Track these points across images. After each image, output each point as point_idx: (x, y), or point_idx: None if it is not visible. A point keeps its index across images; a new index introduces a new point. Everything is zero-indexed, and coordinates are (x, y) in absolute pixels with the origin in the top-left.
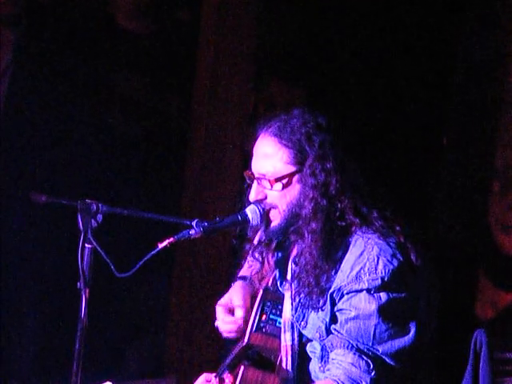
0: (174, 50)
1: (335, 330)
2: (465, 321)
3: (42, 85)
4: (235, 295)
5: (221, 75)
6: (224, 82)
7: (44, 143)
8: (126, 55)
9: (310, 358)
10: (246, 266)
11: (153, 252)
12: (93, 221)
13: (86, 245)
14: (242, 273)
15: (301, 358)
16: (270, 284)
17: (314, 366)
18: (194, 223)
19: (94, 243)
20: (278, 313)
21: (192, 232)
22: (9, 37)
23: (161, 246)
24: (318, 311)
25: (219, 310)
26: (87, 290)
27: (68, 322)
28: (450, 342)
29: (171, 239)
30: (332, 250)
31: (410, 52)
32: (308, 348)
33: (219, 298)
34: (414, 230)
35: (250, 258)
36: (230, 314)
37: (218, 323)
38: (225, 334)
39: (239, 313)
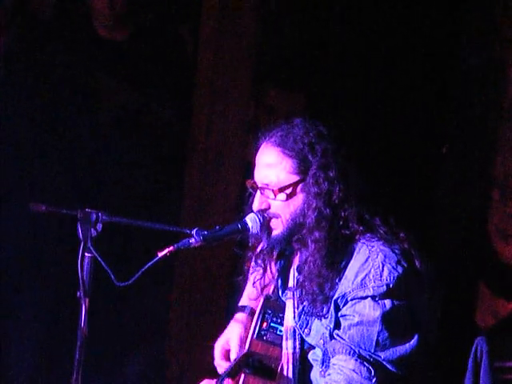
0: (174, 59)
1: (338, 335)
2: (465, 329)
3: (34, 92)
4: (233, 336)
5: (220, 83)
6: (224, 90)
7: (41, 152)
8: (124, 63)
9: (312, 366)
10: (248, 286)
11: (153, 261)
12: (92, 230)
13: (86, 254)
14: (244, 297)
15: (302, 365)
16: (271, 292)
17: (315, 374)
18: (193, 232)
19: (94, 252)
20: (279, 321)
21: (192, 241)
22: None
23: (160, 254)
24: (321, 319)
25: (217, 353)
26: (87, 299)
27: (68, 331)
28: (450, 351)
29: (171, 248)
30: (336, 258)
31: (409, 60)
32: (310, 356)
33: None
34: (415, 237)
35: (252, 264)
36: (227, 357)
37: (216, 364)
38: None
39: (234, 356)
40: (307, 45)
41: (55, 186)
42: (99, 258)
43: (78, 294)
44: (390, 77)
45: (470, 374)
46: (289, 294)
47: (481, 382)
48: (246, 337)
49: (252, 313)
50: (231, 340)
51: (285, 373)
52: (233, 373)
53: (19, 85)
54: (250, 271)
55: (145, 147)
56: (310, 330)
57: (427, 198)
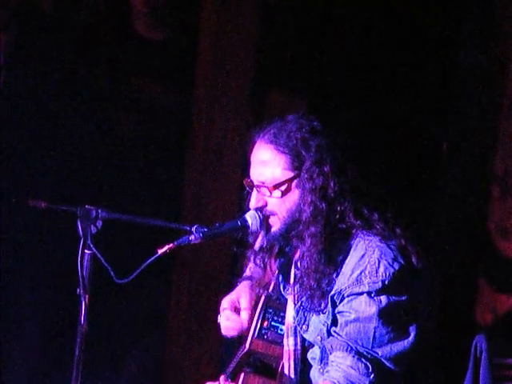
0: (174, 55)
1: (335, 332)
2: (464, 326)
3: (36, 88)
4: (243, 296)
5: (220, 81)
6: (224, 88)
7: (40, 149)
8: (124, 58)
9: (311, 365)
10: (248, 270)
11: (152, 258)
12: (92, 227)
13: (86, 251)
14: (247, 273)
15: (303, 363)
16: (272, 290)
17: (314, 373)
18: (193, 229)
19: (94, 249)
20: (280, 320)
21: (191, 238)
22: (2, 40)
23: (160, 251)
24: (319, 314)
25: (226, 306)
26: (87, 296)
27: (68, 327)
28: (449, 348)
29: (171, 245)
30: (333, 253)
31: (410, 58)
32: (309, 355)
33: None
34: (414, 234)
35: (251, 264)
36: (236, 312)
37: (221, 318)
38: (225, 331)
39: (245, 315)
40: (308, 45)
41: (55, 183)
42: (99, 255)
43: (78, 290)
44: (391, 75)
45: (470, 371)
46: (289, 290)
47: (480, 378)
48: (255, 303)
49: (259, 284)
50: (242, 299)
51: (286, 371)
52: (234, 373)
53: (20, 84)
54: (250, 269)
55: (145, 145)
56: (307, 326)
57: (427, 194)
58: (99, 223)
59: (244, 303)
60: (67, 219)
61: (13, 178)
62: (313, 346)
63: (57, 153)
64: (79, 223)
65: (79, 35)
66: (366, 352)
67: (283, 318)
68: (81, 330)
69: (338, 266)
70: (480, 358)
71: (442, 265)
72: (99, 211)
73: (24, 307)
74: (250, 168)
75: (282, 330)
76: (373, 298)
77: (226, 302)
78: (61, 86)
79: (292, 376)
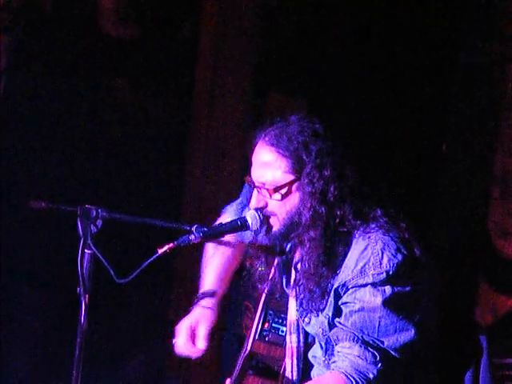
0: (174, 58)
1: (340, 323)
2: (465, 326)
3: (38, 90)
4: (202, 322)
5: (221, 81)
6: (224, 88)
7: (41, 149)
8: (125, 63)
9: (313, 365)
10: (209, 268)
11: (152, 257)
12: (92, 226)
13: (86, 250)
14: (207, 281)
15: (305, 361)
16: (272, 289)
17: (315, 373)
18: (193, 228)
19: (94, 249)
20: (281, 321)
21: (192, 237)
22: (4, 42)
23: (160, 251)
24: (318, 315)
25: (182, 333)
26: (87, 296)
27: (68, 327)
28: (449, 348)
29: (171, 244)
30: (333, 255)
31: (409, 59)
32: (310, 353)
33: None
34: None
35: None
36: (192, 339)
37: (177, 343)
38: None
39: (201, 345)
40: (308, 48)
41: (55, 183)
42: (99, 255)
43: (78, 290)
44: (391, 76)
45: (470, 371)
46: (291, 290)
47: (480, 378)
48: (214, 328)
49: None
50: (200, 327)
51: (288, 369)
52: (239, 378)
53: (20, 84)
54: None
55: (145, 145)
56: (309, 319)
57: (427, 195)
58: (99, 223)
59: (202, 331)
60: (67, 219)
61: (13, 177)
62: (315, 342)
63: (57, 153)
64: (79, 223)
65: (80, 35)
66: (372, 341)
67: (284, 319)
68: (81, 329)
69: (337, 267)
70: (480, 358)
71: (441, 265)
72: (99, 211)
73: (24, 307)
74: (251, 167)
75: (283, 331)
76: (377, 288)
77: (182, 328)
78: (61, 86)
79: (294, 374)
